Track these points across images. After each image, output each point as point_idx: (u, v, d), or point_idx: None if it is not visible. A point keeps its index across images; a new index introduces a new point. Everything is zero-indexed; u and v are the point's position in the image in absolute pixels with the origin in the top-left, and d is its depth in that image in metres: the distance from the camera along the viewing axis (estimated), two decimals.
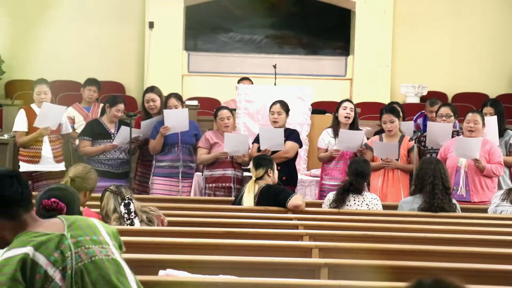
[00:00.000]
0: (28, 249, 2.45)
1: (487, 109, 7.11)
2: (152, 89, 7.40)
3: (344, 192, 5.67)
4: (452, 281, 1.90)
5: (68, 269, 2.46)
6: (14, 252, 2.45)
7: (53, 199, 2.94)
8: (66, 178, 4.41)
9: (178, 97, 7.25)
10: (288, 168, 6.89)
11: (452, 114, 6.98)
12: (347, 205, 5.67)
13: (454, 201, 5.61)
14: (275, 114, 7.00)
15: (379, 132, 7.29)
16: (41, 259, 2.45)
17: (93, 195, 4.61)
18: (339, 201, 5.64)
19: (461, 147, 6.33)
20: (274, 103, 7.08)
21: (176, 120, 6.87)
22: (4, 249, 2.51)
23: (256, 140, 7.08)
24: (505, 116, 7.27)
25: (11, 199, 2.53)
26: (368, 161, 6.16)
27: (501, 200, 5.71)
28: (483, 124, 6.52)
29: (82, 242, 2.51)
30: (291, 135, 6.98)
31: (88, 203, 4.64)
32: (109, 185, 4.70)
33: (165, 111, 6.97)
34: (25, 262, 2.42)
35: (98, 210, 4.60)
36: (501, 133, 6.94)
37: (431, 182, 5.49)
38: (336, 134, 7.03)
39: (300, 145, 7.16)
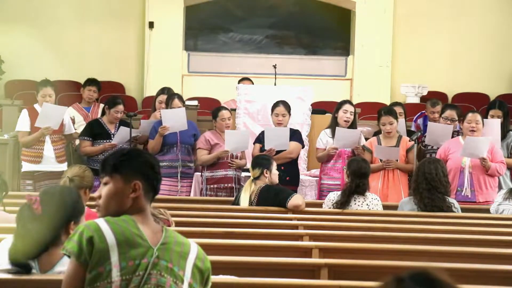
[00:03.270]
0: (111, 243, 2.44)
1: (495, 112, 7.05)
2: (168, 90, 7.44)
3: (350, 194, 5.66)
4: (430, 272, 1.90)
5: (131, 284, 2.44)
6: (103, 227, 2.46)
7: (32, 196, 2.97)
8: (64, 178, 4.43)
9: (180, 98, 7.27)
10: (292, 169, 6.90)
11: (457, 118, 6.97)
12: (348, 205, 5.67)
13: (452, 200, 5.60)
14: (279, 116, 6.99)
15: (377, 133, 7.28)
16: (114, 259, 2.44)
17: (91, 195, 4.62)
18: (345, 203, 5.62)
19: (470, 147, 6.33)
20: (277, 105, 7.06)
21: (174, 119, 6.88)
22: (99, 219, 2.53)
23: (257, 140, 7.08)
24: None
25: (152, 176, 2.59)
26: (367, 160, 6.16)
27: (503, 199, 5.72)
28: (483, 124, 6.54)
29: (162, 266, 2.47)
30: (294, 135, 6.99)
31: (88, 203, 4.65)
32: None
33: (163, 111, 6.99)
34: (94, 244, 2.45)
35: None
36: (504, 135, 6.92)
37: (415, 181, 5.57)
38: (334, 134, 7.02)
39: (303, 145, 7.17)
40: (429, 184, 5.48)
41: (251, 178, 5.64)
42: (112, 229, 2.47)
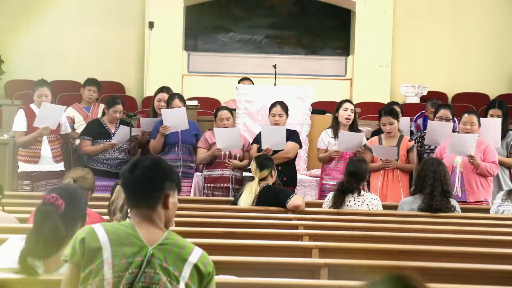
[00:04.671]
0: (104, 241, 2.47)
1: (495, 111, 7.02)
2: (167, 90, 7.43)
3: (340, 193, 5.67)
4: (403, 276, 1.91)
5: (123, 280, 2.44)
6: (97, 229, 2.51)
7: (53, 194, 2.95)
8: (68, 179, 4.46)
9: (181, 97, 7.26)
10: (288, 169, 6.89)
11: (451, 117, 6.96)
12: (347, 205, 5.66)
13: (453, 202, 5.59)
14: (276, 117, 6.98)
15: (378, 132, 7.27)
16: (106, 256, 2.45)
17: (93, 195, 4.66)
18: (337, 202, 5.64)
19: (456, 143, 6.30)
20: (274, 105, 7.05)
21: (175, 119, 6.88)
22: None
23: (256, 140, 7.08)
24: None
25: (122, 180, 2.62)
26: (365, 160, 6.15)
27: (502, 200, 5.71)
28: (479, 124, 6.49)
29: (156, 265, 2.47)
30: (291, 135, 6.98)
31: (90, 203, 4.67)
32: (108, 185, 4.74)
33: (163, 111, 6.99)
34: (85, 243, 2.48)
35: (99, 210, 4.61)
36: (504, 134, 6.90)
37: (431, 184, 5.47)
38: (335, 135, 7.02)
39: (300, 146, 7.15)
40: (442, 187, 5.47)
41: (257, 179, 5.62)
42: (106, 230, 2.51)
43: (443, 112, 7.01)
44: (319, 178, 7.14)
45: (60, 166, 7.02)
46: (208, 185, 6.94)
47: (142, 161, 2.62)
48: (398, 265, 3.74)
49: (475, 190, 6.36)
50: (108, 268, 2.44)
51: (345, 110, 7.04)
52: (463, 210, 5.79)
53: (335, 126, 7.06)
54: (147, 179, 2.57)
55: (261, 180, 5.62)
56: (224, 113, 7.03)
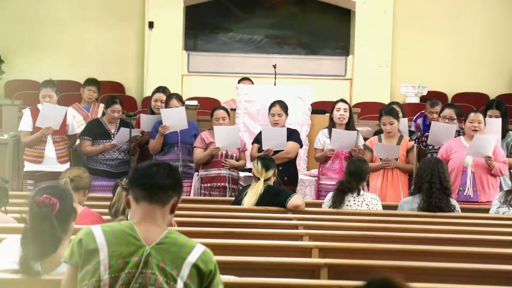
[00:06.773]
0: (101, 242, 2.46)
1: (493, 112, 7.05)
2: (164, 90, 7.43)
3: (339, 193, 5.67)
4: (398, 281, 1.94)
5: (120, 281, 2.44)
6: (95, 230, 2.51)
7: (45, 195, 2.95)
8: (65, 178, 4.45)
9: (179, 98, 7.25)
10: (290, 168, 6.89)
11: (455, 117, 6.95)
12: (347, 205, 5.66)
13: (453, 201, 5.59)
14: (275, 116, 6.98)
15: (378, 132, 7.28)
16: (103, 257, 2.45)
17: (91, 195, 4.66)
18: (337, 202, 5.64)
19: (477, 145, 6.29)
20: (273, 105, 7.05)
21: (174, 118, 6.88)
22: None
23: (256, 140, 7.07)
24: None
25: (129, 180, 2.63)
26: (365, 160, 6.14)
27: (500, 202, 5.71)
28: (485, 123, 6.53)
29: (153, 265, 2.47)
30: (292, 135, 6.98)
31: (88, 203, 4.67)
32: (108, 185, 4.73)
33: (162, 110, 6.99)
34: (83, 245, 2.49)
35: (99, 210, 4.61)
36: (503, 134, 6.92)
37: (428, 181, 5.48)
38: (331, 134, 7.01)
39: (301, 145, 7.15)
40: (441, 184, 5.47)
41: (262, 179, 5.61)
42: (103, 231, 2.51)
43: (448, 111, 7.01)
44: (317, 178, 7.14)
45: (65, 167, 6.98)
46: (205, 185, 6.92)
47: (161, 163, 2.68)
48: (398, 265, 3.75)
49: (486, 191, 6.38)
50: (104, 269, 2.45)
51: (338, 111, 7.03)
52: (475, 210, 5.81)
53: (331, 126, 7.06)
54: (167, 178, 2.59)
55: (265, 180, 5.62)
56: (220, 113, 7.01)
